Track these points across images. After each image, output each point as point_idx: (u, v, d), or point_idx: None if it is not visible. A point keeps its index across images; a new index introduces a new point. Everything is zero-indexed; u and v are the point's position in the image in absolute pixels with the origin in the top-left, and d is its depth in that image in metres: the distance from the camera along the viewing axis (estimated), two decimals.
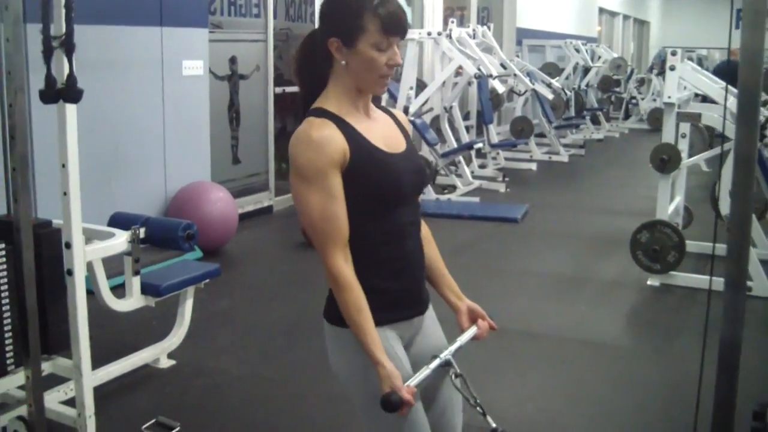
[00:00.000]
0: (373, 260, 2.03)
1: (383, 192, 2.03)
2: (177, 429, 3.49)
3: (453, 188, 9.12)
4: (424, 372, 1.98)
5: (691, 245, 5.95)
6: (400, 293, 2.11)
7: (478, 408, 2.01)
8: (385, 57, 1.98)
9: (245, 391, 3.98)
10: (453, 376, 2.04)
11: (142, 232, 3.68)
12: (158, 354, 4.11)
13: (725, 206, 5.31)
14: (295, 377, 4.17)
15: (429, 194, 8.56)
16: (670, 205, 6.05)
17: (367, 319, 1.96)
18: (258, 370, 4.23)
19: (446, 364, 2.04)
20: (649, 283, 5.83)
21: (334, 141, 1.96)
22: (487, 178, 9.96)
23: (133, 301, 3.81)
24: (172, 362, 4.18)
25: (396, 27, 1.97)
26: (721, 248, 5.15)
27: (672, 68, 5.80)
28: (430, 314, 2.23)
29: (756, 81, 1.53)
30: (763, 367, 1.57)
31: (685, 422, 3.61)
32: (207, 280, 4.19)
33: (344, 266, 1.96)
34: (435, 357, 2.03)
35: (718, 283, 1.68)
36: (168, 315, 4.27)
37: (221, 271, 4.30)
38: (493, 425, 2.01)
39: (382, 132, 2.09)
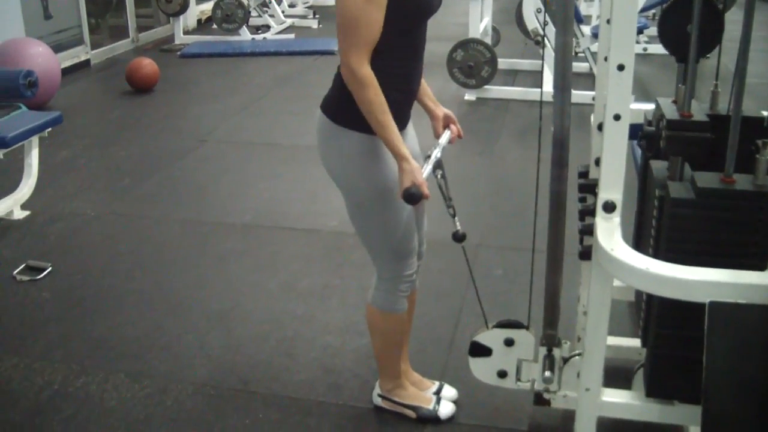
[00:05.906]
0: (395, 73, 2.11)
1: (418, 10, 2.10)
2: (49, 269, 3.63)
3: (267, 27, 9.26)
4: (428, 169, 2.12)
5: (502, 62, 6.44)
6: (405, 104, 2.23)
7: (450, 209, 2.23)
8: None
9: (103, 227, 4.15)
10: (439, 176, 2.21)
11: None
12: (11, 206, 4.17)
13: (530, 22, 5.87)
14: (147, 210, 4.38)
15: (244, 35, 8.63)
16: (480, 25, 6.47)
17: (390, 118, 2.05)
18: (112, 208, 4.39)
19: (438, 165, 2.20)
20: (466, 98, 6.32)
21: None
22: (299, 16, 10.20)
23: None
24: (27, 212, 4.25)
25: None
26: (527, 63, 5.61)
27: None
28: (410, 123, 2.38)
29: None
30: (582, 140, 1.96)
31: (513, 203, 4.14)
32: (50, 129, 4.23)
33: (369, 68, 2.02)
34: (428, 157, 2.17)
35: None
36: (11, 170, 4.32)
37: (63, 119, 4.34)
38: (458, 227, 2.21)
39: None
